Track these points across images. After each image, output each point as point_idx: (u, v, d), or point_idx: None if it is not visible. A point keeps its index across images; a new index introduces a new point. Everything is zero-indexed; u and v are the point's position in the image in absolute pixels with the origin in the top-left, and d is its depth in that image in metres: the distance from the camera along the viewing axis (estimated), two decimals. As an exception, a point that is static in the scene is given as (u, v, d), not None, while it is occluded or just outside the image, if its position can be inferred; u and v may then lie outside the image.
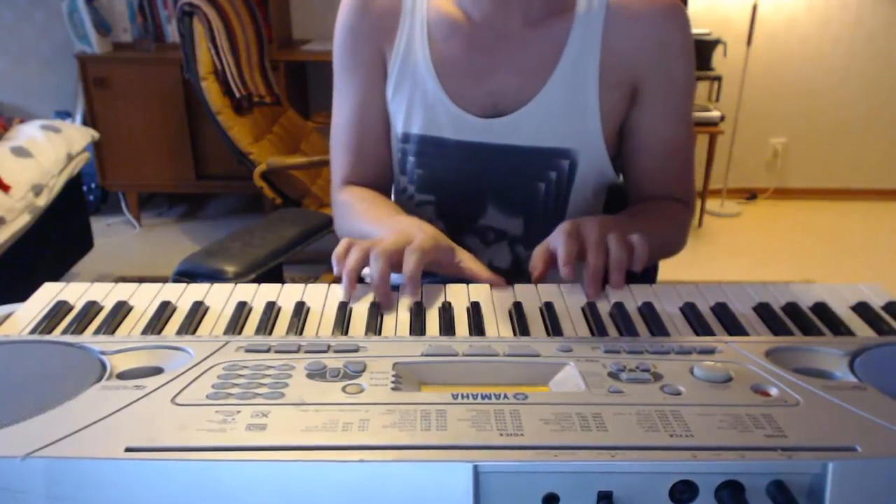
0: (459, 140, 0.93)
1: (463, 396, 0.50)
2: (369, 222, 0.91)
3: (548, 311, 0.69)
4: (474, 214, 0.98)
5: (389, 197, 1.03)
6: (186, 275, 0.97)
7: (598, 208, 1.02)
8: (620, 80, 0.91)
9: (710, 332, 0.65)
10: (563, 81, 0.90)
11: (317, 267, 2.66)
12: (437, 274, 0.80)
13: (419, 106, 0.93)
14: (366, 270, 0.74)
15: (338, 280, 0.75)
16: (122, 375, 0.55)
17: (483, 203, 0.97)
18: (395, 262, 0.74)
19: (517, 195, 0.96)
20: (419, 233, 0.78)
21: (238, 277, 0.98)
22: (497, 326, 0.67)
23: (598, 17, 0.89)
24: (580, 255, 0.75)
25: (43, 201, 2.30)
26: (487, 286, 0.75)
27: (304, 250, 1.18)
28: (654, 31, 0.89)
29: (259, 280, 0.93)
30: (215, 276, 0.97)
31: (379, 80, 0.96)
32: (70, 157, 2.49)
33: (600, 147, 0.93)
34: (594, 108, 0.90)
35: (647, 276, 1.13)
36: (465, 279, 0.79)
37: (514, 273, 1.00)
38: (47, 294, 0.72)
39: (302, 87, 3.45)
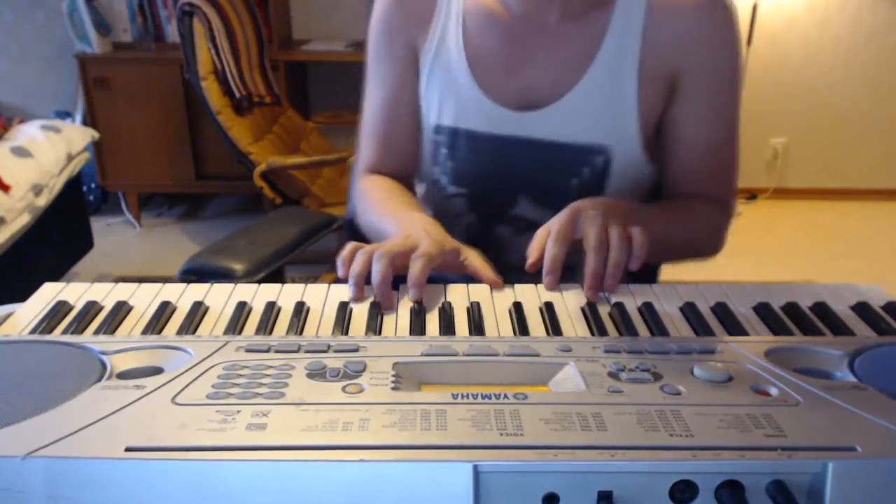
0: (491, 133, 0.93)
1: (463, 396, 0.50)
2: (381, 214, 0.91)
3: (548, 310, 0.69)
4: (506, 205, 0.98)
5: (411, 188, 1.03)
6: (194, 273, 0.96)
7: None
8: (660, 74, 0.88)
9: (710, 332, 0.65)
10: (600, 75, 0.88)
11: (317, 267, 2.66)
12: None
13: (451, 98, 0.93)
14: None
15: (340, 280, 0.75)
16: (122, 375, 0.55)
17: (515, 195, 0.97)
18: (398, 265, 0.74)
19: (549, 190, 0.95)
20: (425, 237, 0.78)
21: (247, 276, 0.98)
22: (497, 326, 0.67)
23: (640, 8, 0.87)
24: (578, 244, 0.75)
25: (43, 201, 2.30)
26: (487, 286, 0.75)
27: (305, 250, 1.18)
28: (697, 23, 0.86)
29: (261, 280, 0.93)
30: (224, 275, 0.97)
31: (411, 72, 0.96)
32: (70, 157, 2.49)
33: (637, 144, 0.90)
34: (632, 103, 0.88)
35: (648, 275, 1.13)
36: (468, 276, 0.79)
37: None
38: (47, 294, 0.72)
39: (302, 87, 3.45)
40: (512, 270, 0.79)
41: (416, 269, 0.73)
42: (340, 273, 0.74)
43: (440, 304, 0.70)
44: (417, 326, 0.66)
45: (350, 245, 0.76)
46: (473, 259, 0.81)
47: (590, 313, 0.69)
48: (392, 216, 0.89)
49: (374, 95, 0.99)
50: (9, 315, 0.68)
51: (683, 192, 0.95)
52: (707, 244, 0.96)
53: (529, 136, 0.91)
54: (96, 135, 2.74)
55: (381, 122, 0.99)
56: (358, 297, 0.71)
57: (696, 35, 0.87)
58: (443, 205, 0.98)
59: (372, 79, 1.00)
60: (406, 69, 0.96)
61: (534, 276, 0.76)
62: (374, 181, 0.99)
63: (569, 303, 0.71)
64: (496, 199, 0.98)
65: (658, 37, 0.87)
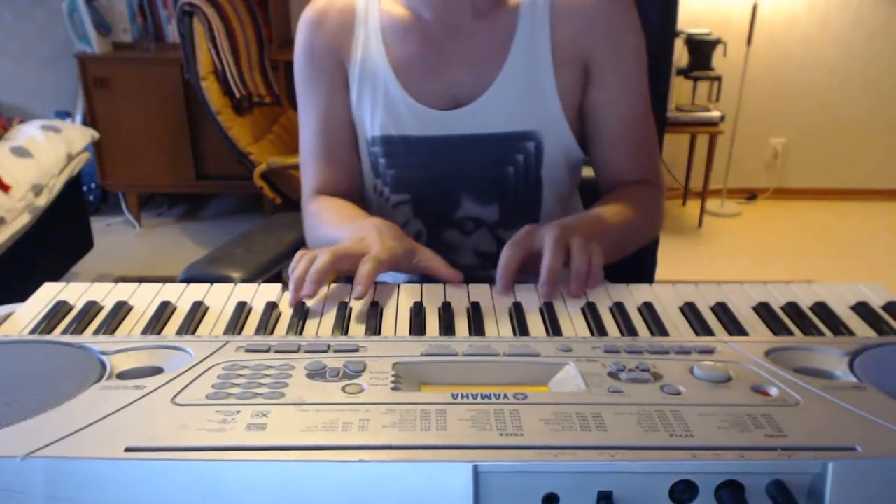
0: (425, 135, 0.95)
1: (463, 396, 0.50)
2: (335, 227, 0.92)
3: (548, 310, 0.69)
4: (450, 208, 1.00)
5: (360, 206, 1.03)
6: (192, 282, 0.97)
7: (573, 186, 1.04)
8: (572, 58, 0.93)
9: (710, 332, 0.66)
10: (517, 66, 0.92)
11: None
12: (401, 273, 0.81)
13: (382, 107, 0.96)
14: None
15: (339, 280, 0.75)
16: (122, 375, 0.55)
17: (457, 195, 0.99)
18: (345, 267, 0.74)
19: (488, 182, 0.98)
20: (377, 242, 0.79)
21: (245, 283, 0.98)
22: (497, 326, 0.67)
23: (544, 2, 0.92)
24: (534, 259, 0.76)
25: (43, 201, 2.30)
26: (487, 286, 0.75)
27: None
28: (597, 10, 0.92)
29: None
30: (221, 283, 0.97)
31: (341, 91, 0.99)
32: (70, 157, 2.49)
33: (563, 126, 0.95)
34: (551, 88, 0.93)
35: (645, 275, 1.14)
36: (429, 277, 0.80)
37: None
38: (47, 294, 0.72)
39: (302, 87, 3.45)
40: (465, 272, 0.80)
41: (363, 269, 0.73)
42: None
43: (440, 304, 0.70)
44: (417, 326, 0.66)
45: (300, 252, 0.77)
46: (429, 259, 0.82)
47: (590, 313, 0.69)
48: (347, 226, 0.89)
49: (308, 120, 1.01)
50: (9, 315, 0.68)
51: (614, 174, 0.99)
52: (653, 227, 1.01)
53: (461, 132, 0.95)
54: (96, 135, 2.74)
55: (320, 143, 1.01)
56: (294, 302, 0.71)
57: (600, 20, 0.93)
58: (388, 215, 0.99)
59: (303, 106, 1.02)
60: (336, 87, 0.99)
61: (489, 276, 0.77)
62: (324, 201, 0.99)
63: (569, 303, 0.71)
64: (439, 201, 1.00)
65: (564, 24, 0.92)
